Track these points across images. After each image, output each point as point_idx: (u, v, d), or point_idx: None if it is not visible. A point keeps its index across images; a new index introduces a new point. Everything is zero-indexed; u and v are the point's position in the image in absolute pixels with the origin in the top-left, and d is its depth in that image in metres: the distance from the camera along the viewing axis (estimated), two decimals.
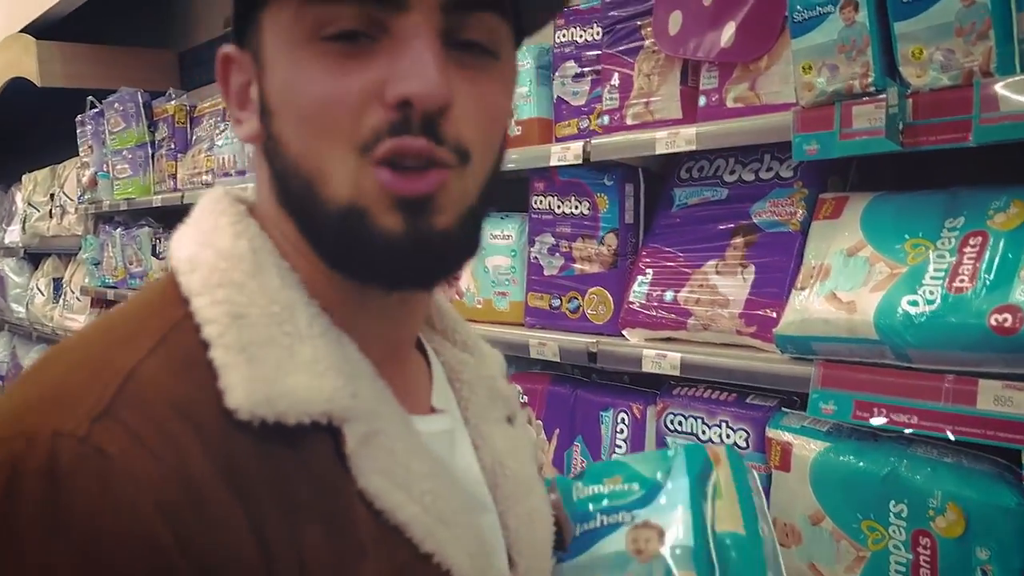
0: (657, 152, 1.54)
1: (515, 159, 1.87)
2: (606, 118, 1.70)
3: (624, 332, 1.68)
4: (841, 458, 1.28)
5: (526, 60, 1.96)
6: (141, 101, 3.31)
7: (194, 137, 3.11)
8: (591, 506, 0.76)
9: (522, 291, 1.94)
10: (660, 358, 1.56)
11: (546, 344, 1.78)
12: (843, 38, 1.22)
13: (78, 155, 3.84)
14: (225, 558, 0.47)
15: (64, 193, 4.08)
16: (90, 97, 3.67)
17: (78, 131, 3.79)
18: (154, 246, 3.20)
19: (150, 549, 0.45)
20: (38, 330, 4.79)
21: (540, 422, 1.84)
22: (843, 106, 1.23)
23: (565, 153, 1.71)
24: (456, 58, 0.56)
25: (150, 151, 3.28)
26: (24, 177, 5.07)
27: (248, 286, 0.56)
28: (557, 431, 1.84)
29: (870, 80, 1.20)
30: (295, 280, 0.59)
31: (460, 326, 0.76)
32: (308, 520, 0.51)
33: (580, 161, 1.68)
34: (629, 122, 1.66)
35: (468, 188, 0.57)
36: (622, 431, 1.71)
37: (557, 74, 1.90)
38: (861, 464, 1.26)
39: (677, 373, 1.52)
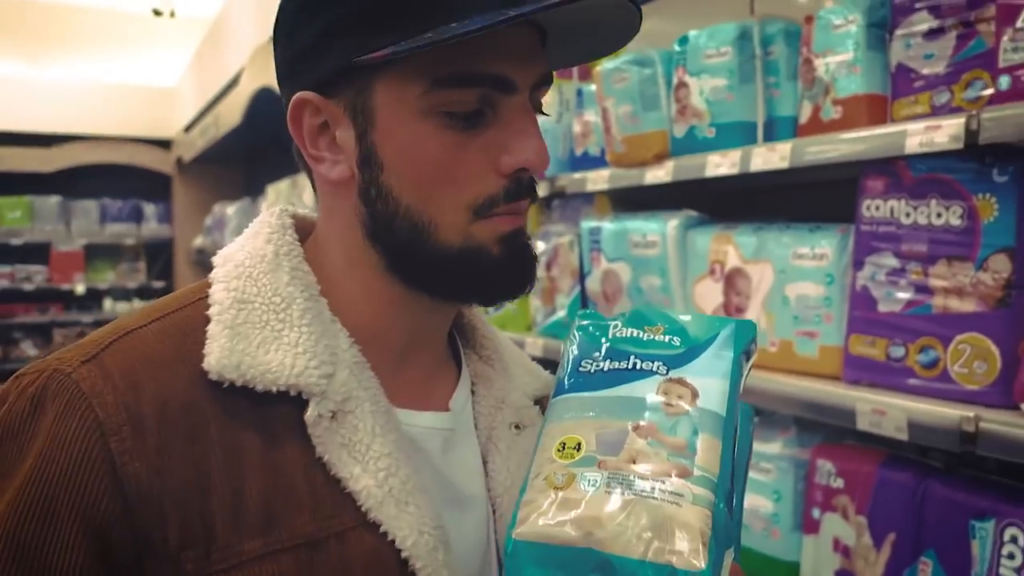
0: None
1: (836, 150, 1.35)
2: (1005, 80, 1.13)
3: (1023, 405, 1.10)
4: None
5: (852, 16, 1.43)
6: None
7: None
8: (626, 347, 0.75)
9: (840, 332, 1.40)
10: None
11: (886, 413, 1.23)
12: None
13: None
14: (156, 473, 0.63)
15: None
16: None
17: None
18: None
19: (85, 454, 0.63)
20: None
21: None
22: None
23: (933, 135, 1.16)
24: None
25: None
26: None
27: (261, 280, 0.72)
28: (892, 537, 1.28)
29: None
30: (307, 281, 0.73)
31: (488, 342, 0.86)
32: (251, 466, 0.66)
33: (960, 146, 1.13)
34: None
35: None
36: (1013, 556, 1.12)
37: (899, 32, 1.36)
38: None
39: None
